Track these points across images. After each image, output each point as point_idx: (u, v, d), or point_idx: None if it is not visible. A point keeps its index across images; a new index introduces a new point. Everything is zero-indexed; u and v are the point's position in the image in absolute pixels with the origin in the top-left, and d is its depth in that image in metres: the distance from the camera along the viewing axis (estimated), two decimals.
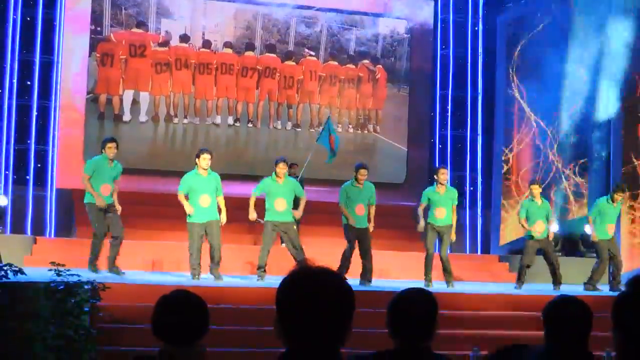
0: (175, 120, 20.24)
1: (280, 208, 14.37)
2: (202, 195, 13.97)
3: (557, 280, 15.38)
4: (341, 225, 14.80)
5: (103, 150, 14.07)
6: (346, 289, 2.96)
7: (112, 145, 14.03)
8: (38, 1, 18.80)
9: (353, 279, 14.43)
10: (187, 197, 14.03)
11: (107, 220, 13.99)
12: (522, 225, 15.58)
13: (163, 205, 18.35)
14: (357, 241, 14.67)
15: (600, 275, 15.58)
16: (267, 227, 14.41)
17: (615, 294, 3.00)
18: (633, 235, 17.70)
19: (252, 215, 14.43)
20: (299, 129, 21.02)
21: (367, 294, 11.07)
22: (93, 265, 13.78)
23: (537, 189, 15.62)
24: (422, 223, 14.98)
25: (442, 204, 14.94)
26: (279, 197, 14.40)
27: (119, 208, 14.06)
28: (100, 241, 13.95)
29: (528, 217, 15.48)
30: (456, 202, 15.13)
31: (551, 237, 15.69)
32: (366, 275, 14.52)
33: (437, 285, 14.48)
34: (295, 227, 14.57)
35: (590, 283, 15.46)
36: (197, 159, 14.11)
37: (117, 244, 13.98)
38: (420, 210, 15.09)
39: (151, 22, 20.27)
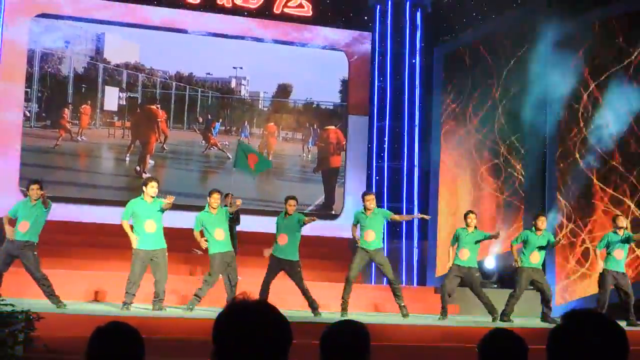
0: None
1: (220, 237, 14.34)
2: (147, 220, 13.82)
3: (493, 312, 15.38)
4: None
5: (28, 193, 13.90)
6: (283, 322, 2.97)
7: (35, 187, 13.78)
8: None
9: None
10: (132, 227, 13.91)
11: (23, 261, 13.71)
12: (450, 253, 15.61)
13: (100, 234, 18.21)
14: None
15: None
16: (215, 260, 14.31)
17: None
18: None
19: (203, 244, 14.34)
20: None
21: (303, 326, 11.02)
22: None
23: (471, 218, 15.57)
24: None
25: (371, 227, 14.90)
26: (218, 227, 14.35)
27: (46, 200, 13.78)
28: None
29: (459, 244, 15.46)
30: (388, 218, 15.20)
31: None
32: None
33: (371, 318, 14.50)
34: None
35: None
36: (144, 187, 14.00)
37: (43, 285, 13.73)
38: (354, 230, 15.01)
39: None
